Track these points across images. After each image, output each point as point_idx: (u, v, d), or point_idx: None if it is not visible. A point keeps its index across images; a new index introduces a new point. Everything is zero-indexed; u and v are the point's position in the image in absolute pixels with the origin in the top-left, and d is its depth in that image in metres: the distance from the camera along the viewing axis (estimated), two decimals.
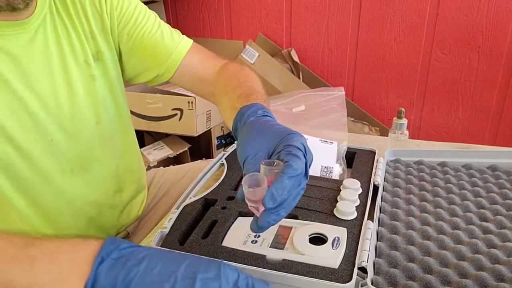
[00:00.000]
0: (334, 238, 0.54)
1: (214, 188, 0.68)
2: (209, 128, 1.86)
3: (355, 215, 0.60)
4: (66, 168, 0.69)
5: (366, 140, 0.95)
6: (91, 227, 0.75)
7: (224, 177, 0.72)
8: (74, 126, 0.68)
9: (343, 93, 0.79)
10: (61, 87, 0.66)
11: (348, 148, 0.79)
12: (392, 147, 0.83)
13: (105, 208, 0.76)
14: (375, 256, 0.54)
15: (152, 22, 0.76)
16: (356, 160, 0.77)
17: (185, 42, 0.79)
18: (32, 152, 0.64)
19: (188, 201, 0.64)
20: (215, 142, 1.95)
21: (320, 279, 0.48)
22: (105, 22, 0.70)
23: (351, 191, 0.64)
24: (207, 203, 0.65)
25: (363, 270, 0.49)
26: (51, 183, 0.67)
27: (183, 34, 0.82)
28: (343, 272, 0.49)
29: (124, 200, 0.80)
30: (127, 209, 0.81)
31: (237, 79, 0.70)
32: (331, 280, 0.48)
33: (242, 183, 0.46)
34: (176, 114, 1.74)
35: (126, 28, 0.73)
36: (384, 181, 0.73)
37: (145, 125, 1.81)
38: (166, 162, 1.79)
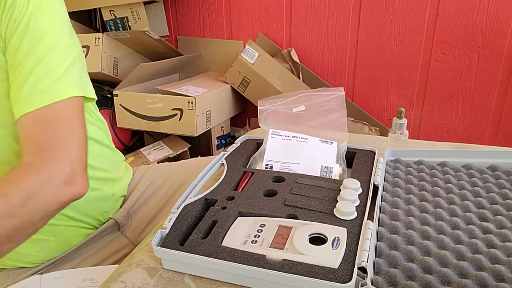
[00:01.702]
0: (334, 238, 0.54)
1: (214, 188, 0.68)
2: (209, 128, 1.86)
3: (355, 215, 0.60)
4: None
5: (366, 140, 0.95)
6: (58, 216, 0.72)
7: (224, 177, 0.72)
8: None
9: (343, 93, 0.79)
10: None
11: (348, 148, 0.80)
12: (392, 147, 0.83)
13: None
14: (375, 256, 0.54)
15: (31, 63, 0.63)
16: (356, 160, 0.77)
17: (30, 104, 0.63)
18: None
19: (188, 201, 0.64)
20: (215, 142, 1.95)
21: (320, 279, 0.48)
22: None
23: (351, 191, 0.64)
24: (207, 203, 0.65)
25: (363, 270, 0.49)
26: None
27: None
28: (343, 272, 0.49)
29: None
30: (94, 197, 0.80)
31: None
32: (331, 280, 0.48)
33: None
34: (176, 114, 1.74)
35: (7, 52, 0.65)
36: (384, 181, 0.73)
37: (145, 125, 1.81)
38: (166, 162, 1.79)
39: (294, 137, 0.78)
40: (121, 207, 0.88)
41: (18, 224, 0.59)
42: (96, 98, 0.74)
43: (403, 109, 0.83)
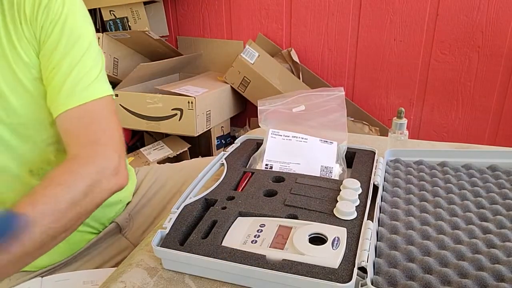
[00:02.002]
0: (334, 238, 0.54)
1: (214, 188, 0.68)
2: (209, 128, 1.86)
3: (355, 215, 0.60)
4: (25, 169, 0.70)
5: (366, 140, 0.95)
6: None
7: (224, 177, 0.72)
8: (26, 129, 0.68)
9: (343, 93, 0.79)
10: (5, 90, 0.65)
11: (348, 148, 0.80)
12: (392, 147, 0.83)
13: None
14: (375, 256, 0.54)
15: (68, 64, 0.67)
16: (356, 160, 0.77)
17: (72, 102, 0.67)
18: None
19: (188, 201, 0.64)
20: (215, 142, 1.95)
21: (320, 279, 0.48)
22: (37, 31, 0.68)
23: (351, 191, 0.64)
24: (207, 203, 0.65)
25: (363, 270, 0.49)
26: (15, 183, 0.68)
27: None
28: (343, 272, 0.49)
29: None
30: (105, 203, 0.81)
31: (21, 202, 0.59)
32: (331, 280, 0.48)
33: None
34: (176, 114, 1.74)
35: (43, 51, 0.68)
36: (384, 181, 0.73)
37: (145, 125, 1.81)
38: (166, 162, 1.79)
39: (294, 137, 0.78)
40: (124, 210, 0.88)
41: (79, 213, 0.62)
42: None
43: (403, 109, 0.83)
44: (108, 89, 0.71)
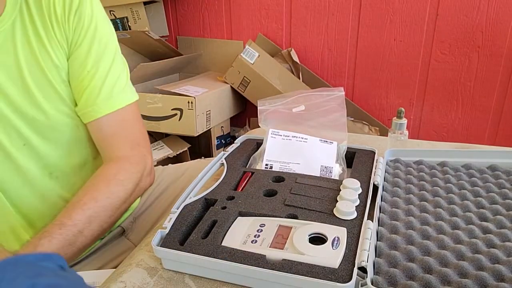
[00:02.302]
0: (334, 238, 0.54)
1: (214, 188, 0.68)
2: (209, 128, 1.86)
3: (355, 215, 0.60)
4: (45, 171, 0.70)
5: (366, 140, 0.95)
6: None
7: (224, 177, 0.72)
8: (52, 131, 0.69)
9: (343, 93, 0.79)
10: (34, 91, 0.66)
11: (348, 148, 0.79)
12: (392, 147, 0.83)
13: None
14: (375, 256, 0.54)
15: (103, 68, 0.70)
16: (356, 160, 0.77)
17: (113, 105, 0.70)
18: (10, 152, 0.66)
19: (188, 201, 0.64)
20: (215, 142, 1.95)
21: (320, 279, 0.48)
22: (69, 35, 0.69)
23: (351, 191, 0.64)
24: (207, 203, 0.65)
25: (363, 270, 0.49)
26: (31, 186, 0.69)
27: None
28: (343, 272, 0.49)
29: None
30: None
31: (83, 196, 0.65)
32: (331, 280, 0.48)
33: None
34: (176, 114, 1.74)
35: (74, 55, 0.70)
36: (384, 181, 0.73)
37: (145, 125, 1.81)
38: (166, 162, 1.79)
39: (294, 137, 0.78)
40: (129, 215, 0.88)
41: (124, 209, 0.69)
42: None
43: (403, 109, 0.83)
44: (136, 94, 0.76)
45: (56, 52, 0.67)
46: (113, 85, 0.70)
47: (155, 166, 1.01)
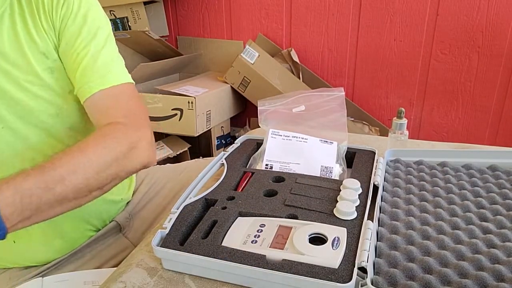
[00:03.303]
0: (334, 238, 0.54)
1: (214, 188, 0.68)
2: (209, 128, 1.86)
3: (355, 215, 0.60)
4: (27, 156, 0.69)
5: (366, 140, 0.95)
6: (69, 217, 0.74)
7: (224, 177, 0.72)
8: (31, 116, 0.69)
9: (343, 93, 0.79)
10: (18, 75, 0.66)
11: (348, 148, 0.79)
12: (392, 147, 0.83)
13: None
14: (375, 256, 0.54)
15: (95, 48, 0.70)
16: (356, 160, 0.77)
17: (107, 81, 0.69)
18: None
19: (188, 201, 0.64)
20: (215, 142, 1.95)
21: (320, 279, 0.48)
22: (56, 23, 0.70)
23: (351, 191, 0.64)
24: (207, 203, 0.65)
25: (363, 270, 0.49)
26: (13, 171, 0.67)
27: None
28: (343, 272, 0.49)
29: None
30: (106, 200, 0.82)
31: (71, 148, 0.61)
32: (331, 280, 0.48)
33: None
34: (176, 114, 1.74)
35: (64, 39, 0.70)
36: (384, 181, 0.73)
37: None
38: (166, 162, 1.79)
39: (294, 137, 0.78)
40: (124, 210, 0.89)
41: (115, 173, 0.63)
42: None
43: (403, 109, 0.83)
44: (132, 81, 0.73)
45: (42, 41, 0.68)
46: (106, 64, 0.70)
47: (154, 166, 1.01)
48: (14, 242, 0.74)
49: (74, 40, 0.69)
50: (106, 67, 0.70)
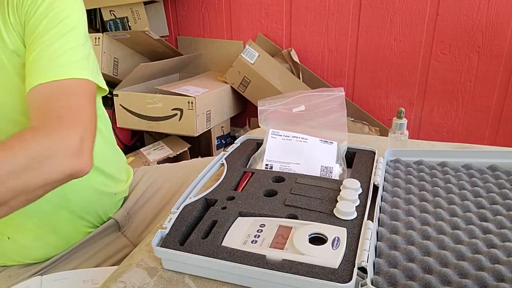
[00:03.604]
0: (334, 238, 0.54)
1: (214, 188, 0.68)
2: (209, 128, 1.86)
3: (355, 215, 0.60)
4: None
5: (366, 140, 0.95)
6: (61, 211, 0.75)
7: (224, 177, 0.72)
8: (7, 113, 0.67)
9: (343, 93, 0.79)
10: None
11: (348, 148, 0.80)
12: (392, 147, 0.83)
13: (70, 193, 0.75)
14: (375, 256, 0.54)
15: (49, 41, 0.65)
16: (356, 160, 0.77)
17: (48, 75, 0.63)
18: None
19: (188, 201, 0.64)
20: (215, 142, 1.95)
21: (320, 279, 0.48)
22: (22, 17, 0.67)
23: (351, 191, 0.64)
24: (207, 203, 0.65)
25: (363, 270, 0.49)
26: None
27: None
28: (343, 272, 0.49)
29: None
30: (97, 193, 0.81)
31: None
32: (331, 280, 0.48)
33: None
34: (176, 114, 1.74)
35: (27, 32, 0.67)
36: (384, 181, 0.73)
37: (145, 125, 1.81)
38: (166, 162, 1.79)
39: (294, 137, 0.78)
40: (121, 207, 0.89)
41: (16, 187, 0.55)
42: (107, 90, 0.74)
43: (403, 109, 0.83)
44: (89, 75, 0.66)
45: (10, 37, 0.65)
46: (57, 56, 0.64)
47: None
48: (9, 238, 0.74)
49: (32, 32, 0.65)
50: (54, 59, 0.63)
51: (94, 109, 0.66)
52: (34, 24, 0.65)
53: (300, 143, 0.78)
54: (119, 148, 0.91)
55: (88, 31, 0.75)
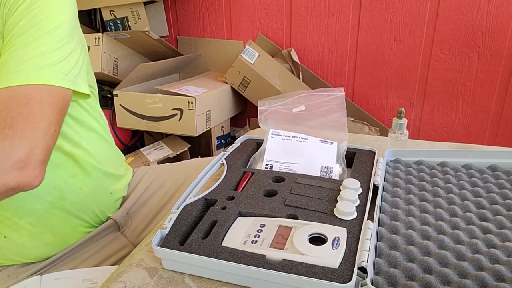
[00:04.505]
0: (334, 238, 0.54)
1: (214, 188, 0.68)
2: (209, 128, 1.86)
3: (355, 215, 0.60)
4: None
5: (366, 140, 0.95)
6: (55, 210, 0.75)
7: (224, 177, 0.72)
8: None
9: (343, 93, 0.79)
10: None
11: (348, 148, 0.79)
12: (392, 147, 0.83)
13: (66, 192, 0.75)
14: (375, 256, 0.54)
15: (21, 42, 0.62)
16: (356, 160, 0.77)
17: (10, 80, 0.59)
18: None
19: (188, 201, 0.64)
20: (215, 142, 1.95)
21: (320, 279, 0.48)
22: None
23: (351, 191, 0.64)
24: (207, 203, 0.65)
25: (363, 270, 0.49)
26: None
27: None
28: (343, 272, 0.49)
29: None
30: (91, 192, 0.81)
31: None
32: (331, 280, 0.48)
33: None
34: (176, 114, 1.74)
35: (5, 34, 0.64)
36: (384, 181, 0.73)
37: (145, 125, 1.81)
38: (166, 162, 1.79)
39: (294, 137, 0.78)
40: (120, 207, 0.88)
41: None
42: (90, 95, 0.71)
43: (403, 109, 0.83)
44: (60, 80, 0.62)
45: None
46: (24, 61, 0.60)
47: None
48: (5, 237, 0.74)
49: (9, 32, 0.62)
50: (22, 64, 0.60)
51: (57, 117, 0.62)
52: (12, 24, 0.62)
53: (300, 143, 0.78)
54: (117, 148, 0.91)
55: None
